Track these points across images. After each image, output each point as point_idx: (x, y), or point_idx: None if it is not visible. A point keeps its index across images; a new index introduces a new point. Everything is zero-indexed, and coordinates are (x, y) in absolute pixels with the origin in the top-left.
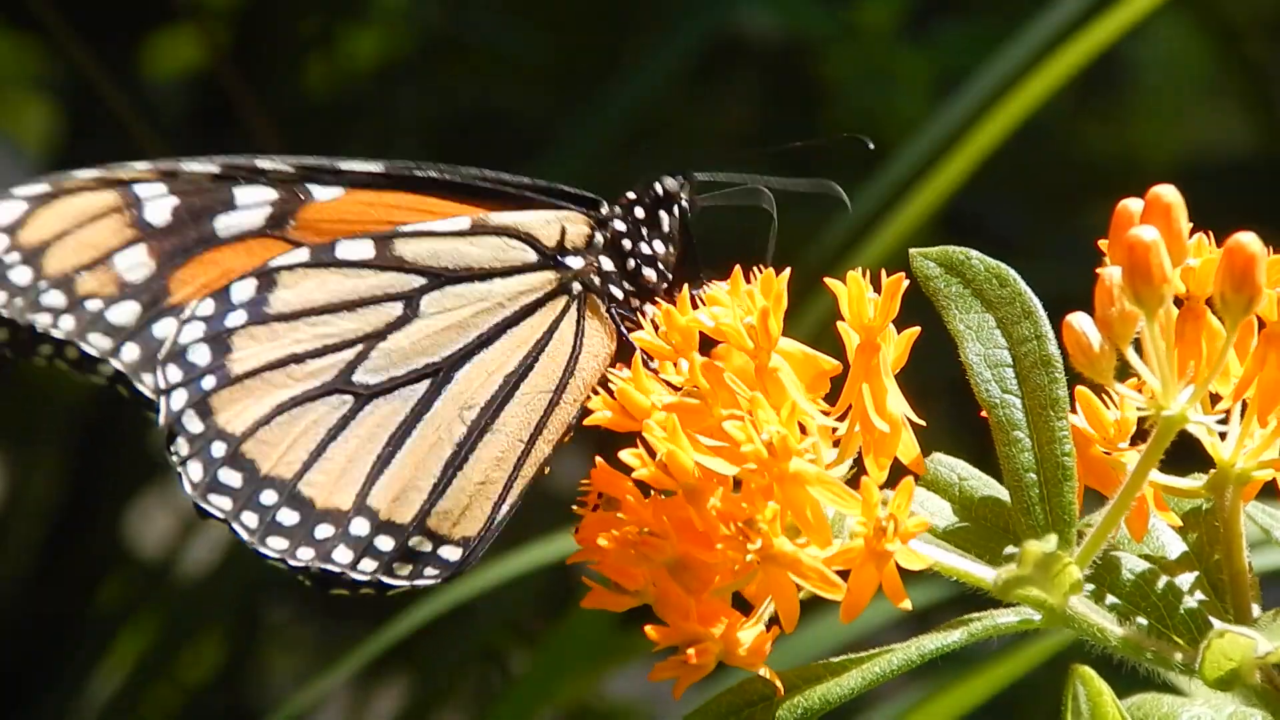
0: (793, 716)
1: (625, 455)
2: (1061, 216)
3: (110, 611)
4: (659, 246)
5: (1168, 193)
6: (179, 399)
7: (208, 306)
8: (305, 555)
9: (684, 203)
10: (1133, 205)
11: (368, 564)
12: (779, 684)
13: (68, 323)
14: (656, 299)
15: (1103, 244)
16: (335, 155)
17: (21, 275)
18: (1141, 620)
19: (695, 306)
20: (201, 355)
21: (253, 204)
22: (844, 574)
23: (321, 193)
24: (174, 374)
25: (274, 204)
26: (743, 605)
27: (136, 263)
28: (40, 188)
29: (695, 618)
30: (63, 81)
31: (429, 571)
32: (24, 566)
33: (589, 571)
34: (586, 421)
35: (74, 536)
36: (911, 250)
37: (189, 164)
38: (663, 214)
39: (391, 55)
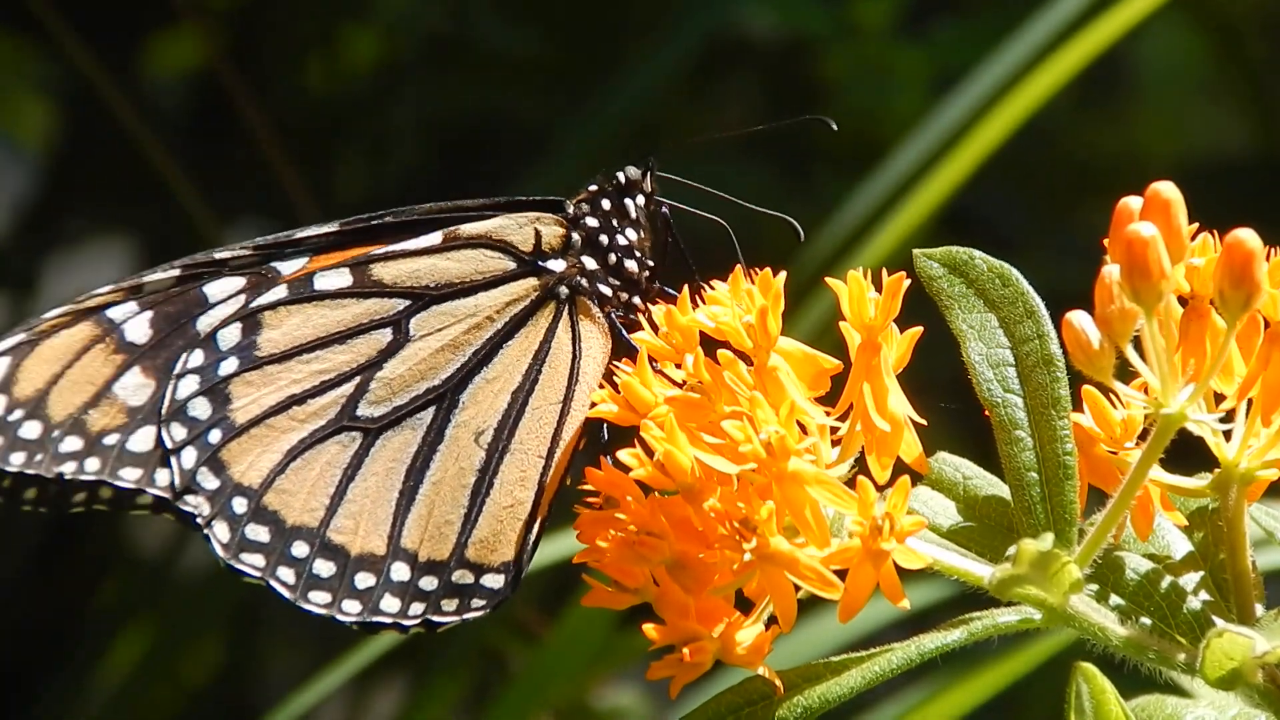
0: (792, 715)
1: (623, 455)
2: (1062, 215)
3: (110, 611)
4: (632, 234)
5: (1166, 189)
6: (189, 457)
7: (198, 357)
8: (352, 609)
9: (647, 188)
10: (1133, 203)
11: (415, 608)
12: (778, 683)
13: (93, 464)
14: (642, 288)
15: (1106, 243)
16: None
17: (31, 430)
18: (1145, 620)
19: (695, 306)
20: (202, 409)
21: (225, 297)
22: (842, 573)
23: (287, 266)
24: (179, 432)
25: (245, 292)
26: (746, 604)
27: (136, 386)
28: (15, 339)
29: (694, 616)
30: (63, 81)
31: (476, 603)
32: (24, 566)
33: (589, 569)
34: (591, 414)
35: (74, 536)
36: (915, 250)
37: (149, 275)
38: (628, 201)
39: (391, 56)
